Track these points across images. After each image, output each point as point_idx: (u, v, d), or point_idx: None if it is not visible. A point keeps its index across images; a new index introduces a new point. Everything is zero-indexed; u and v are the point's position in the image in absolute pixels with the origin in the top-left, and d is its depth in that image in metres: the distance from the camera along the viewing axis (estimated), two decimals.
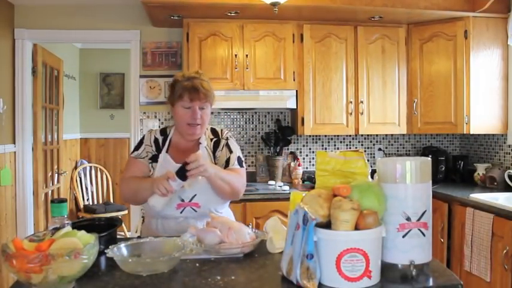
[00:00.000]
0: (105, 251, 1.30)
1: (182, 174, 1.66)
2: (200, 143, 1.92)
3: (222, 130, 2.00)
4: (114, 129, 5.81)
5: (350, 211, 1.15)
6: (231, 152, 1.93)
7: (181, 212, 1.83)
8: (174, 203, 1.81)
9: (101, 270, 1.32)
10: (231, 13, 3.27)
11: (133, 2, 3.53)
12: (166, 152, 1.91)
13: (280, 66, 3.45)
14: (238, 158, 1.94)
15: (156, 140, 1.94)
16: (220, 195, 1.86)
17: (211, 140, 1.96)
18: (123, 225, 4.90)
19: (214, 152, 1.93)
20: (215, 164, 1.90)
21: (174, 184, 1.66)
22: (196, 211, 1.83)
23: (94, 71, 5.86)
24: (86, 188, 5.40)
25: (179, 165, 1.77)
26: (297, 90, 3.48)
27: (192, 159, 1.65)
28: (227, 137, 1.97)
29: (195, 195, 1.82)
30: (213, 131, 1.99)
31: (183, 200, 1.82)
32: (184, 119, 1.85)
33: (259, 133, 3.85)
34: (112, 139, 5.81)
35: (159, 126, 3.73)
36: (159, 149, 1.92)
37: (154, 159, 1.91)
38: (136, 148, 1.95)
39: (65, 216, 1.41)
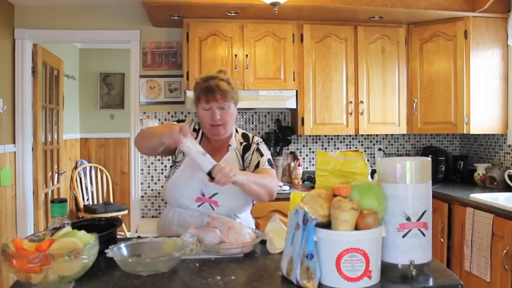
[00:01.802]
0: (105, 251, 1.30)
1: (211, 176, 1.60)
2: (230, 145, 1.91)
3: (253, 136, 2.00)
4: (114, 129, 5.81)
5: (350, 211, 1.15)
6: (262, 155, 1.93)
7: (198, 206, 1.82)
8: (194, 196, 1.81)
9: (101, 270, 1.32)
10: (231, 13, 3.28)
11: (133, 2, 3.53)
12: (199, 143, 1.90)
13: (280, 66, 3.45)
14: (269, 160, 1.94)
15: (194, 130, 1.94)
16: (256, 199, 1.86)
17: (241, 143, 1.95)
18: (123, 225, 4.91)
19: (243, 155, 1.93)
20: (243, 166, 1.90)
21: (187, 141, 1.60)
22: (213, 209, 1.82)
23: (94, 71, 5.86)
24: (86, 188, 5.40)
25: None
26: (297, 90, 3.48)
27: (218, 169, 1.58)
28: (258, 142, 1.97)
29: (217, 193, 1.81)
30: (244, 136, 1.99)
31: (203, 195, 1.81)
32: (206, 121, 1.85)
33: (259, 133, 3.85)
34: (112, 139, 5.81)
35: None
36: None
37: None
38: (177, 122, 1.96)
39: (65, 216, 1.41)
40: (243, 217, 1.93)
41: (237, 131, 1.99)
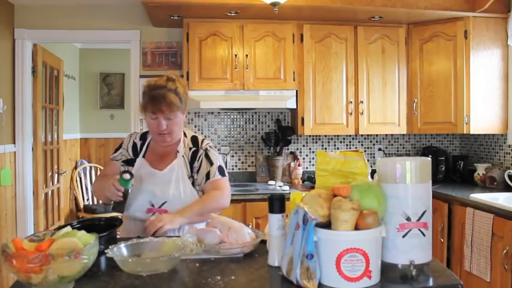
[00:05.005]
0: (105, 251, 1.30)
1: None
2: (178, 151, 1.93)
3: (202, 140, 1.98)
4: (114, 129, 5.81)
5: (350, 211, 1.15)
6: (211, 164, 1.92)
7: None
8: (145, 208, 1.86)
9: (101, 270, 1.32)
10: (231, 13, 3.27)
11: (133, 2, 3.53)
12: (143, 157, 1.95)
13: (280, 66, 3.44)
14: (219, 168, 1.93)
15: (134, 145, 1.99)
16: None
17: (190, 149, 1.95)
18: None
19: (191, 162, 1.92)
20: (191, 174, 1.91)
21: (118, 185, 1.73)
22: None
23: (94, 71, 5.86)
24: (86, 188, 5.40)
25: (152, 169, 1.89)
26: (297, 90, 3.48)
27: (149, 226, 1.69)
28: (206, 148, 1.95)
29: (165, 202, 1.86)
30: (193, 140, 1.98)
31: (153, 206, 1.86)
32: (153, 129, 1.88)
33: (259, 133, 3.85)
34: (112, 139, 5.81)
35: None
36: (136, 153, 1.96)
37: (129, 163, 1.95)
38: (115, 150, 2.02)
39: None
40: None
41: (185, 135, 1.99)
